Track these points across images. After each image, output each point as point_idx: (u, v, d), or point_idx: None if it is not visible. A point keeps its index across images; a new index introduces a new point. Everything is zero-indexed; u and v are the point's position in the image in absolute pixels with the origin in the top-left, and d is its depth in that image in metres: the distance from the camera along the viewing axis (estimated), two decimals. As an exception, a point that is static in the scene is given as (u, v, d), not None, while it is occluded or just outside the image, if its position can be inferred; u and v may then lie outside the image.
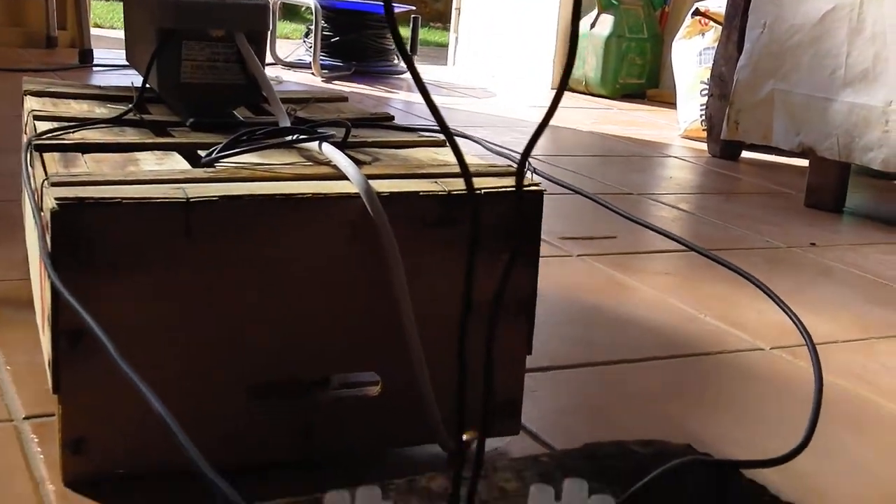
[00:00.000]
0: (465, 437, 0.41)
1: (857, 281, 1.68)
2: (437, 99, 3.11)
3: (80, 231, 0.75)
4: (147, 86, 1.14)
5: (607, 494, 0.45)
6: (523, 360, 0.93)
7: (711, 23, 2.97)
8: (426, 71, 4.48)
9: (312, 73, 3.82)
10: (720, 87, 2.70)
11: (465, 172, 0.50)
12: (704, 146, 2.88)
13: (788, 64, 2.19)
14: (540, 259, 1.62)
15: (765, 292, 0.77)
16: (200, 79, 1.08)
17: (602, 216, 1.99)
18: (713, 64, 2.77)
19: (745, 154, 2.86)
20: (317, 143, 0.92)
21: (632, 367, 1.23)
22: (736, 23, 2.61)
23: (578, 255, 1.67)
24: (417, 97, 3.57)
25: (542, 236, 1.74)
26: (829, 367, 1.26)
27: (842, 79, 2.06)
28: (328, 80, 3.75)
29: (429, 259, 0.86)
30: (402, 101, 3.47)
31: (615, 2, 4.00)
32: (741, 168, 2.71)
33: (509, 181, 0.90)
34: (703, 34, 3.00)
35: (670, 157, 2.83)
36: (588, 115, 3.52)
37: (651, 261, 1.71)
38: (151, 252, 0.78)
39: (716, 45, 2.82)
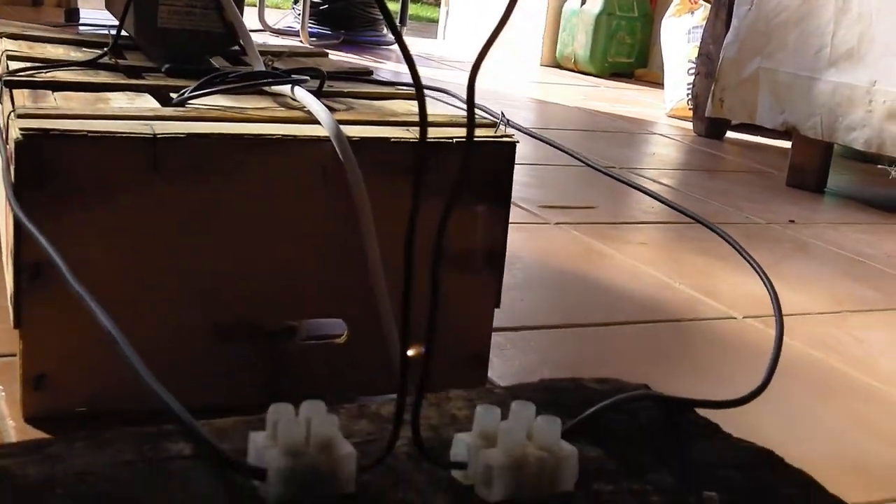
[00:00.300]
0: (410, 352, 0.41)
1: (834, 257, 1.68)
2: (424, 71, 3.11)
3: (45, 163, 0.75)
4: (124, 32, 1.13)
5: (554, 416, 0.45)
6: (491, 313, 0.93)
7: (701, 1, 2.96)
8: (415, 44, 4.46)
9: (300, 41, 3.80)
10: (707, 65, 2.70)
11: (421, 103, 0.49)
12: (690, 125, 2.88)
13: (775, 42, 2.19)
14: (518, 225, 1.63)
15: (727, 241, 0.77)
16: (177, 24, 1.07)
17: (582, 187, 1.98)
18: (701, 42, 2.77)
19: (730, 134, 2.86)
20: (289, 87, 0.91)
21: (604, 329, 1.23)
22: (724, 1, 2.60)
23: (556, 223, 1.67)
24: (406, 68, 3.55)
25: (522, 204, 1.75)
26: (800, 338, 1.26)
27: (827, 58, 2.06)
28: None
29: (399, 206, 0.85)
30: (390, 70, 3.46)
31: (607, -20, 3.99)
32: (725, 147, 2.71)
33: (483, 132, 0.90)
34: (692, 12, 3.00)
35: (655, 134, 2.83)
36: (576, 92, 3.51)
37: (629, 231, 1.71)
38: (116, 187, 0.77)
39: (704, 23, 2.81)
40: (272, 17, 4.21)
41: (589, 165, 0.90)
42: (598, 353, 1.15)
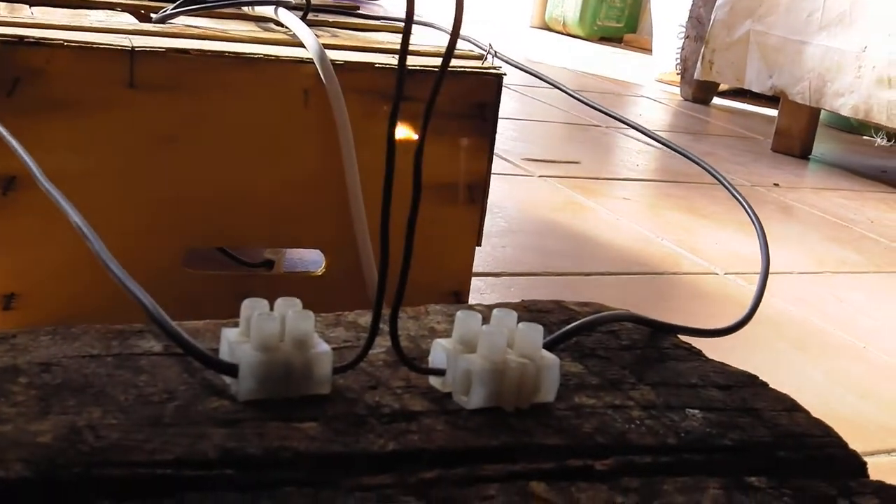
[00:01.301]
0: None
1: (817, 220, 1.68)
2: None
3: (19, 70, 0.72)
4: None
5: (537, 324, 0.44)
6: (472, 249, 0.91)
7: (693, -36, 2.93)
8: (398, 3, 4.41)
9: (287, -7, 3.75)
10: (697, 28, 2.68)
11: (408, 27, 0.48)
12: (678, 90, 2.86)
13: (766, 5, 2.17)
14: (502, 177, 1.61)
15: (708, 170, 0.75)
16: (161, -51, 1.04)
17: (567, 143, 1.97)
18: (691, 5, 2.74)
19: (717, 100, 2.85)
20: (273, 10, 0.89)
21: (585, 279, 1.22)
22: (717, -37, 2.58)
23: (540, 176, 1.66)
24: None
25: (506, 157, 1.73)
26: (782, 295, 1.25)
27: (818, 22, 2.04)
28: (303, 1, 3.68)
29: (381, 133, 0.83)
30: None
31: (599, -58, 3.95)
32: (712, 112, 2.70)
33: (468, 63, 0.88)
34: (684, -25, 2.97)
35: (642, 97, 2.81)
36: (564, 54, 3.49)
37: (612, 186, 1.69)
38: (92, 100, 0.75)
39: (696, -13, 2.79)
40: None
41: (569, 94, 0.89)
42: (579, 300, 1.14)
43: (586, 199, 1.56)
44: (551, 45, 3.73)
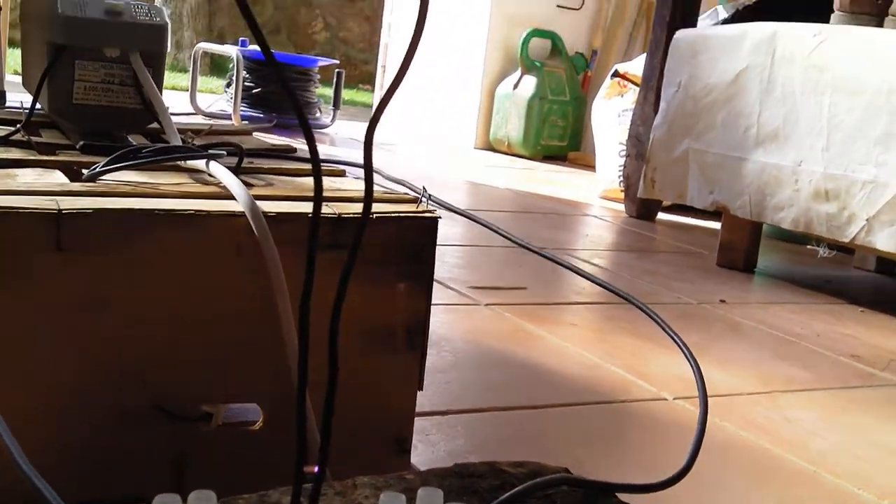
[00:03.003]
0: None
1: (764, 337, 1.68)
2: (357, 155, 3.10)
3: (-59, 239, 0.71)
4: (40, 108, 1.10)
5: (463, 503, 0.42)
6: (413, 395, 0.90)
7: (630, 84, 3.00)
8: (348, 128, 4.46)
9: (232, 124, 3.78)
10: (637, 147, 2.72)
11: (318, 179, 0.47)
12: (622, 207, 2.89)
13: (703, 123, 2.21)
14: (448, 307, 1.60)
15: (652, 318, 0.75)
16: (94, 101, 1.04)
17: (512, 268, 1.97)
18: (630, 124, 2.79)
19: (662, 216, 2.88)
20: (204, 162, 0.89)
21: (534, 413, 1.20)
22: (653, 83, 2.63)
23: (487, 305, 1.65)
24: (339, 151, 3.56)
25: (452, 285, 1.73)
26: (731, 419, 1.24)
27: (754, 138, 2.08)
28: (249, 130, 3.71)
29: (318, 283, 0.82)
30: (322, 154, 3.45)
31: (538, 63, 4.03)
32: (657, 228, 2.73)
33: (403, 207, 0.88)
34: (622, 95, 3.03)
35: (588, 216, 2.84)
36: (509, 175, 3.53)
37: (559, 312, 1.69)
38: (19, 265, 0.73)
39: (634, 105, 2.84)
40: (205, 101, 4.19)
41: (511, 240, 0.89)
42: (528, 438, 1.12)
43: (534, 327, 1.55)
44: (496, 166, 3.77)
